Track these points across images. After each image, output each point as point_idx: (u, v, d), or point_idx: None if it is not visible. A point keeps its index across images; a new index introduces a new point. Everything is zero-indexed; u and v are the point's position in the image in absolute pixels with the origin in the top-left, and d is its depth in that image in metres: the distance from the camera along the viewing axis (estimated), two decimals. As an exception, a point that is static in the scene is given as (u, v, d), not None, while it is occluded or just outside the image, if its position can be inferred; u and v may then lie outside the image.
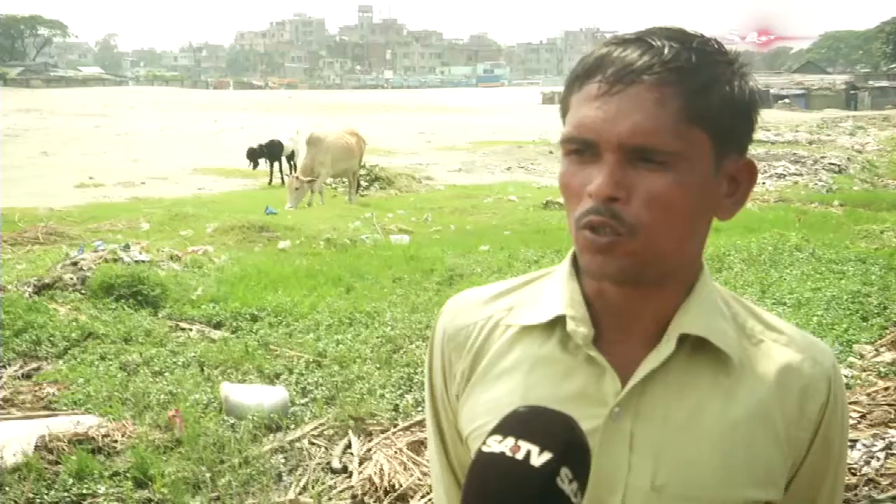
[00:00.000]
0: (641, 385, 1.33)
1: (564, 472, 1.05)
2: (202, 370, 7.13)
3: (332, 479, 5.41)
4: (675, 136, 1.23)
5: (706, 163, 1.28)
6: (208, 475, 5.25)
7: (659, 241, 1.27)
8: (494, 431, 1.09)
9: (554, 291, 1.43)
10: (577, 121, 1.28)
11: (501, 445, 1.06)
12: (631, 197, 1.24)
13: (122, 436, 5.75)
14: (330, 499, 5.17)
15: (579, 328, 1.36)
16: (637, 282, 1.31)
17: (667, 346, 1.33)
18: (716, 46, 1.31)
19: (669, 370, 1.34)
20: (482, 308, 1.52)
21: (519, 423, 1.10)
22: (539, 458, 1.04)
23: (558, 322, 1.40)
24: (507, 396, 1.38)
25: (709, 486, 1.31)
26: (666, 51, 1.25)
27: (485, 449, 1.08)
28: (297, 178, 19.36)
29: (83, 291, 9.30)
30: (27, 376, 7.10)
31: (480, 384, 1.46)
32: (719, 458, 1.32)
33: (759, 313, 1.45)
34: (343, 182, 22.12)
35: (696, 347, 1.35)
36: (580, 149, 1.29)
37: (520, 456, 1.05)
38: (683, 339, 1.34)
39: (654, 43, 1.26)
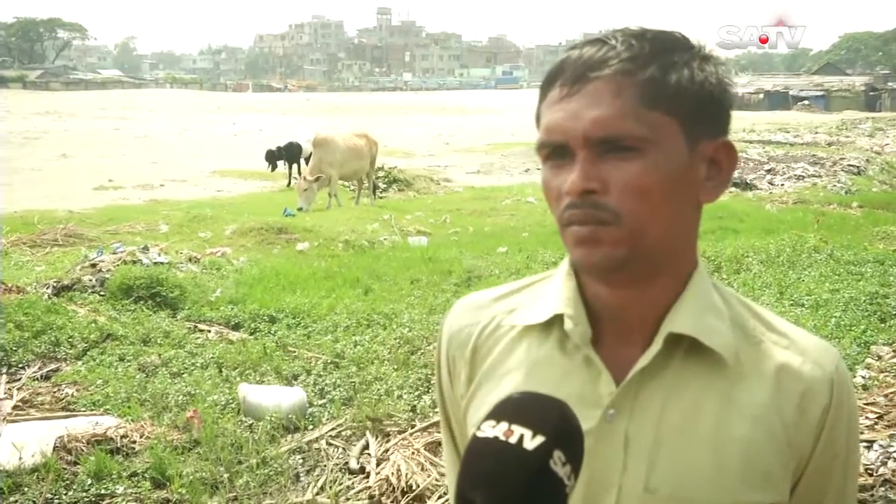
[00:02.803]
0: (636, 386, 1.34)
1: (557, 454, 1.06)
2: (220, 371, 7.16)
3: (349, 479, 5.43)
4: (637, 121, 1.26)
5: (678, 146, 1.29)
6: (226, 475, 5.28)
7: (644, 228, 1.28)
8: (489, 417, 1.11)
9: (553, 291, 1.45)
10: (545, 126, 1.33)
11: (495, 430, 1.08)
12: (608, 187, 1.26)
13: (141, 436, 5.78)
14: (347, 499, 5.19)
15: (577, 326, 1.38)
16: (625, 275, 1.32)
17: (655, 346, 1.34)
18: (677, 37, 1.34)
19: (664, 371, 1.35)
20: (485, 309, 1.54)
21: (512, 408, 1.12)
22: (532, 442, 1.06)
23: (556, 322, 1.41)
24: None
25: (703, 488, 1.31)
26: (620, 45, 1.29)
27: (479, 434, 1.09)
28: (304, 178, 19.40)
29: (102, 293, 9.35)
30: (46, 377, 7.15)
31: (486, 384, 1.47)
32: (714, 460, 1.32)
33: (763, 314, 1.44)
34: (355, 185, 22.08)
35: (691, 348, 1.35)
36: (554, 153, 1.32)
37: (513, 440, 1.06)
38: (677, 340, 1.34)
39: (608, 41, 1.30)
